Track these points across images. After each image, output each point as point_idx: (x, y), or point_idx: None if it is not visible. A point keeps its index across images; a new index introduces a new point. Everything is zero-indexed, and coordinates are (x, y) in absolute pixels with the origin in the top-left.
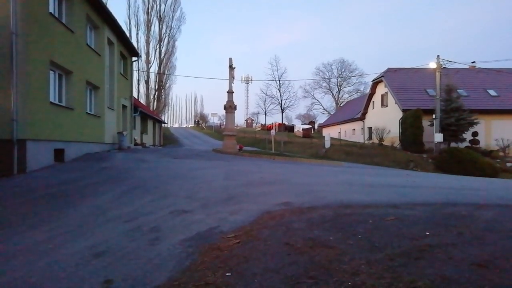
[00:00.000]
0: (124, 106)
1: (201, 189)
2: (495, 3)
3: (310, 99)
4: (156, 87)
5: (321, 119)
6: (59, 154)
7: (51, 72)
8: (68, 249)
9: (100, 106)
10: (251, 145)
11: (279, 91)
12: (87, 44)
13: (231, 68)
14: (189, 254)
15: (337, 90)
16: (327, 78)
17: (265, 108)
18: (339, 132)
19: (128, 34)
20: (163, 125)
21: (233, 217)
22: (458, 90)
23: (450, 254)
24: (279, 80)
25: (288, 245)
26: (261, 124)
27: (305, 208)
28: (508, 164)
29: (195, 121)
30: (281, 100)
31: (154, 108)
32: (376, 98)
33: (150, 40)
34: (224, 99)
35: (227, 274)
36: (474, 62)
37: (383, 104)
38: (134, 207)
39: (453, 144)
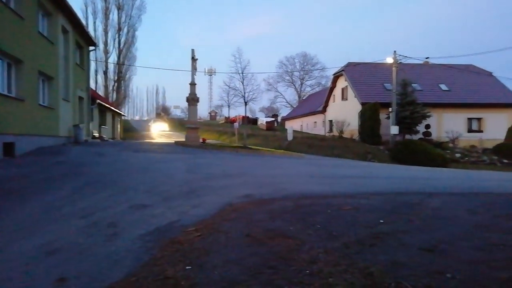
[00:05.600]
0: (80, 98)
1: (162, 182)
2: (448, 3)
3: (273, 92)
4: (116, 78)
5: (284, 112)
6: (9, 148)
7: None
8: (18, 247)
9: (54, 97)
10: (214, 138)
11: (242, 83)
12: (39, 31)
13: (194, 59)
14: (148, 249)
15: (300, 83)
16: (290, 72)
17: (228, 101)
18: (301, 125)
19: (84, 22)
20: (123, 117)
21: (195, 210)
22: (412, 85)
23: (401, 241)
24: (242, 73)
25: (249, 237)
26: (225, 117)
27: (266, 199)
28: (457, 155)
29: (157, 113)
30: (244, 93)
31: (114, 100)
32: (337, 92)
33: (108, 29)
34: (187, 92)
35: (187, 267)
36: (428, 58)
37: (343, 97)
38: (90, 203)
39: (407, 136)
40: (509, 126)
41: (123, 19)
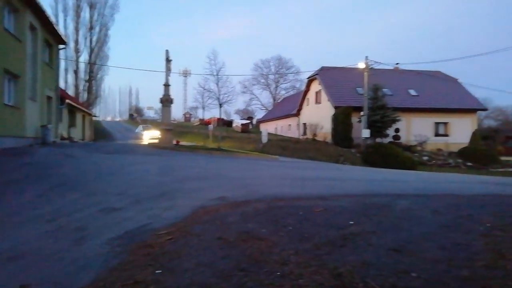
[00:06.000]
0: (49, 98)
1: (133, 185)
2: (417, 12)
3: (248, 95)
4: (87, 77)
5: (259, 114)
6: None
7: None
8: None
9: (21, 96)
10: (188, 139)
11: (217, 85)
12: (5, 28)
13: (168, 60)
14: (118, 253)
15: (275, 86)
16: (265, 75)
17: (203, 103)
18: (276, 128)
19: (54, 20)
20: (94, 118)
21: (166, 213)
22: (383, 89)
23: (370, 241)
24: (217, 75)
25: (221, 239)
26: (200, 119)
27: (239, 202)
28: (425, 158)
29: (130, 114)
30: (219, 95)
31: (84, 100)
32: (311, 95)
33: (79, 27)
34: (161, 93)
35: (157, 271)
36: (398, 63)
37: (317, 101)
38: (58, 206)
39: (378, 140)
40: (473, 130)
41: (95, 17)
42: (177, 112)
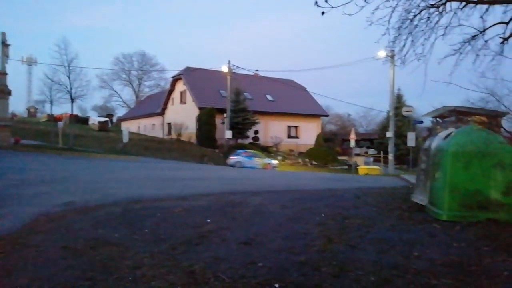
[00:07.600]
0: None
1: None
2: (275, 24)
3: (108, 90)
4: None
5: (120, 112)
6: None
7: None
8: None
9: None
10: (33, 138)
11: (69, 78)
12: None
13: (5, 45)
14: None
15: (138, 83)
16: (127, 70)
17: (51, 96)
18: (139, 127)
19: None
20: None
21: None
22: (244, 93)
23: (224, 237)
24: (68, 66)
25: (66, 249)
26: (48, 114)
27: (91, 206)
28: (279, 157)
29: None
30: (71, 89)
31: None
32: (176, 95)
33: None
34: None
35: None
36: (257, 70)
37: (182, 101)
38: None
39: (240, 141)
40: (318, 133)
41: None
42: (19, 106)
